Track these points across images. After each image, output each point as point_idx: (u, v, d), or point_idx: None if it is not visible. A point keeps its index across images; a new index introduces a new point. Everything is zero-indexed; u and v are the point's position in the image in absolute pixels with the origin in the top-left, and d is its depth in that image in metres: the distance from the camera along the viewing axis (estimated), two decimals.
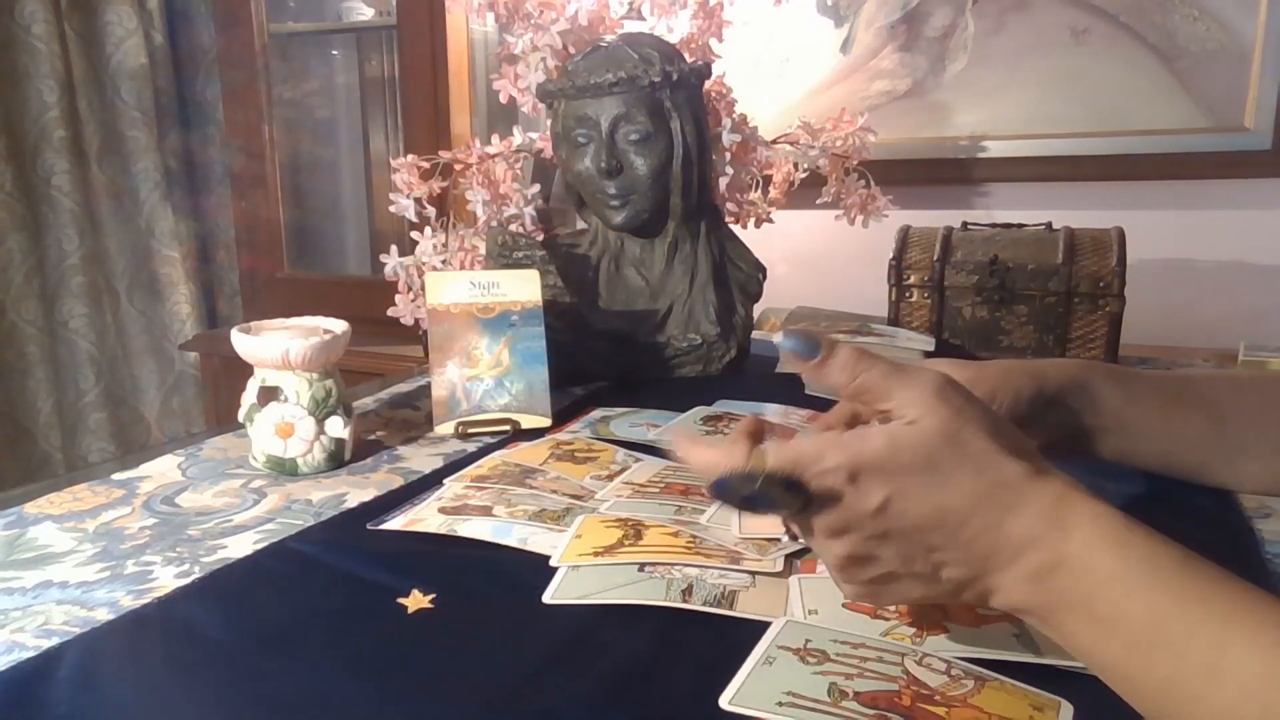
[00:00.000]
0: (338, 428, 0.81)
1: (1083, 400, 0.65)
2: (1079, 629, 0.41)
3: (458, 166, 1.27)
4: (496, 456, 0.82)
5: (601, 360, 1.11)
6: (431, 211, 1.27)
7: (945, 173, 1.58)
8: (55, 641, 0.52)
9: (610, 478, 0.76)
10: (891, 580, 0.45)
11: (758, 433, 0.49)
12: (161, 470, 0.82)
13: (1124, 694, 0.41)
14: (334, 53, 2.22)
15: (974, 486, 0.42)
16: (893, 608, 0.53)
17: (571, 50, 1.17)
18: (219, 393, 2.01)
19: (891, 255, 1.27)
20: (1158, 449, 0.68)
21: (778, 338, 0.46)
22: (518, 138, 1.27)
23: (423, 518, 0.68)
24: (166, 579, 0.60)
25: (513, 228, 1.23)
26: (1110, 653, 0.40)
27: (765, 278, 1.18)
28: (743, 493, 0.43)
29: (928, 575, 0.44)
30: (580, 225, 1.28)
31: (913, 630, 0.50)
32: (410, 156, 1.27)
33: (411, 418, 0.98)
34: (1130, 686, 0.40)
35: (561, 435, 0.88)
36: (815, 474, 0.42)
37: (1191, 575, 0.39)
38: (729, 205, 1.31)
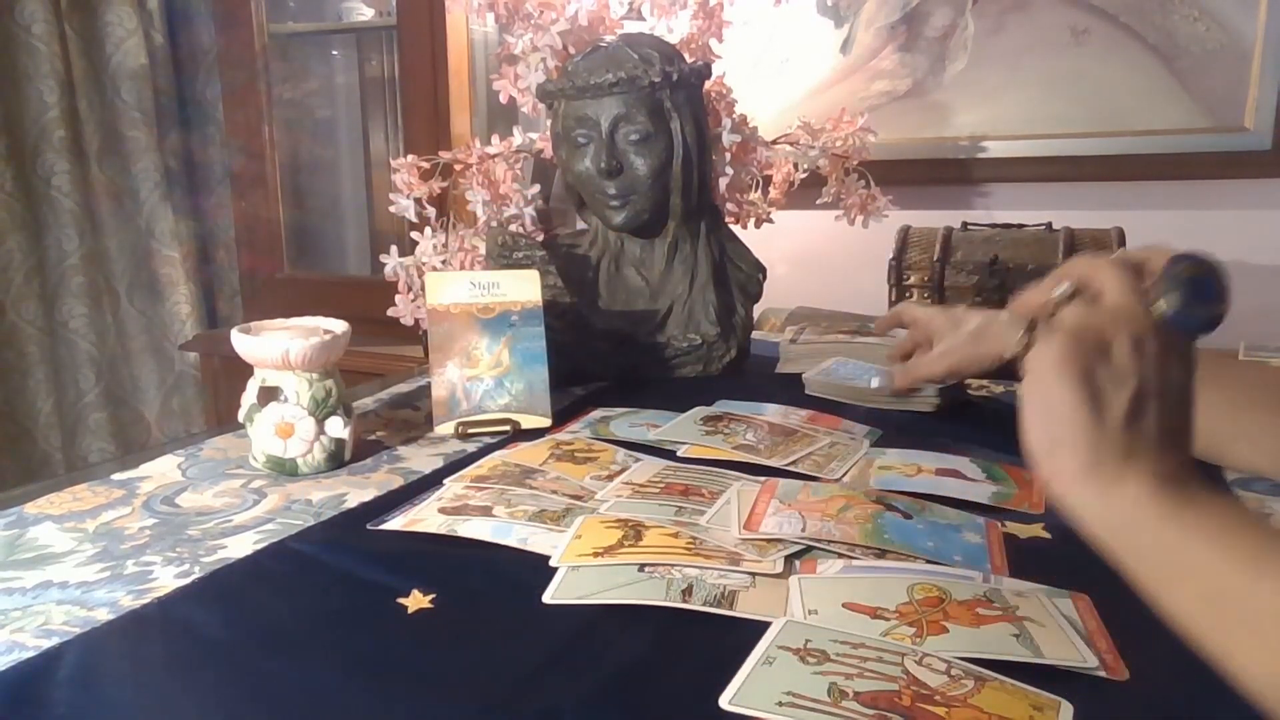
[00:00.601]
0: (338, 428, 0.81)
1: None
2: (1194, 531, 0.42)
3: (458, 166, 1.27)
4: (496, 456, 0.82)
5: (601, 360, 1.11)
6: (431, 211, 1.27)
7: (945, 173, 1.58)
8: (55, 641, 0.52)
9: (610, 478, 0.76)
10: (1098, 376, 0.45)
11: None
12: (161, 470, 0.82)
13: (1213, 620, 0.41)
14: (334, 53, 2.22)
15: None
16: (892, 606, 0.53)
17: (571, 50, 1.17)
18: (219, 393, 2.01)
19: (891, 255, 1.27)
20: None
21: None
22: (518, 138, 1.27)
23: (423, 518, 0.68)
24: (166, 579, 0.60)
25: (513, 228, 1.23)
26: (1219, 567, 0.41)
27: (765, 278, 1.18)
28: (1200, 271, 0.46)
29: (1126, 406, 0.44)
30: (580, 225, 1.28)
31: (913, 630, 0.50)
32: (410, 156, 1.27)
33: (411, 418, 0.98)
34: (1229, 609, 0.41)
35: (561, 435, 0.88)
36: None
37: None
38: (729, 205, 1.31)
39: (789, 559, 0.60)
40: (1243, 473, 0.73)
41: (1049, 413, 0.45)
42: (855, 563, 0.60)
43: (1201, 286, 0.46)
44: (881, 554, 0.61)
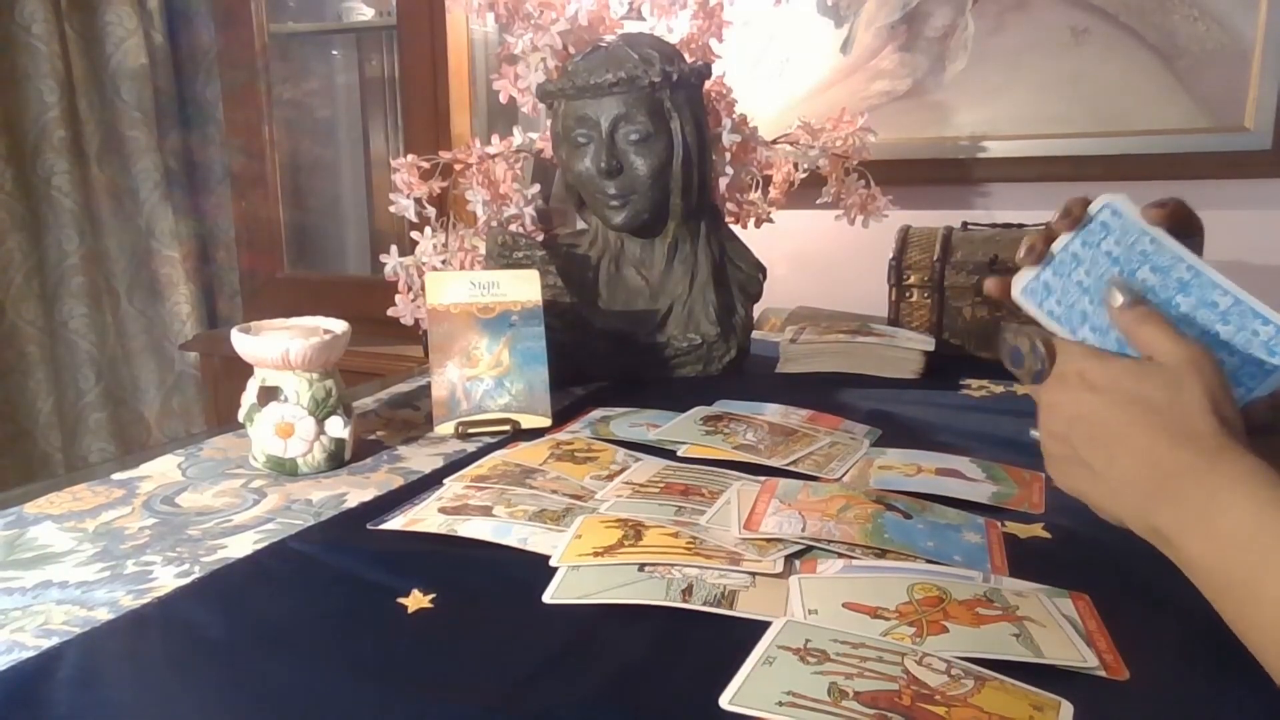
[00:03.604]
0: (338, 428, 0.81)
1: None
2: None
3: (458, 166, 1.27)
4: (496, 456, 0.82)
5: (601, 360, 1.11)
6: (431, 211, 1.27)
7: (945, 173, 1.58)
8: (55, 641, 0.52)
9: (610, 478, 0.76)
10: (1074, 464, 0.52)
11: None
12: (161, 470, 0.82)
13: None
14: (334, 53, 2.22)
15: (1143, 466, 0.48)
16: (892, 606, 0.53)
17: (571, 50, 1.17)
18: (219, 393, 2.01)
19: (891, 255, 1.27)
20: None
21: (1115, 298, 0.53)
22: (518, 138, 1.27)
23: (423, 518, 0.68)
24: (166, 579, 0.60)
25: (513, 228, 1.23)
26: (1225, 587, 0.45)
27: (765, 278, 1.18)
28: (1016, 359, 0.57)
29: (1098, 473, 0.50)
30: (580, 225, 1.28)
31: (913, 630, 0.50)
32: (410, 156, 1.27)
33: (411, 418, 0.98)
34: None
35: (561, 435, 0.88)
36: (1060, 359, 0.53)
37: None
38: (729, 205, 1.31)
39: (789, 559, 0.60)
40: None
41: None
42: (855, 562, 0.60)
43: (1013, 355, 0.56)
44: (881, 554, 0.61)
